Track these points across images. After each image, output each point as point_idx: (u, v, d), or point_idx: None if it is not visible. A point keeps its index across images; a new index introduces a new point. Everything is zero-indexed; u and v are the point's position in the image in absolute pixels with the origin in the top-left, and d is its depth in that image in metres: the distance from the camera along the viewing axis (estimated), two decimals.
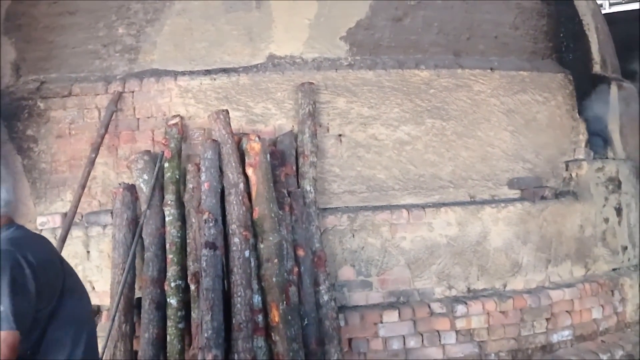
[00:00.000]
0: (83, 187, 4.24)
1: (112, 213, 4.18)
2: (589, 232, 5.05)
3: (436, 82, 4.86)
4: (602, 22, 6.60)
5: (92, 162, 4.30)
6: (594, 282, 4.86)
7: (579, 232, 5.00)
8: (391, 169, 4.69)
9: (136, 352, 3.84)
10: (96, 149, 4.34)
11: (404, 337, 4.26)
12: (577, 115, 5.38)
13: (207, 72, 4.62)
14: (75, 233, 4.26)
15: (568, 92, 5.36)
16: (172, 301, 3.78)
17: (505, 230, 4.69)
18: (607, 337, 4.85)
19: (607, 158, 5.45)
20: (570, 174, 5.15)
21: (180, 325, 3.77)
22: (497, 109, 5.00)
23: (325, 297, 4.01)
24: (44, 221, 4.40)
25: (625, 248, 5.32)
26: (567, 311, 4.67)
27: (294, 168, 4.32)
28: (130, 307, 3.90)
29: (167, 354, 3.73)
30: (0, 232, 2.09)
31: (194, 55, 4.73)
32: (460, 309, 4.35)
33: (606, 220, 5.16)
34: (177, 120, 4.33)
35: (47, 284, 2.05)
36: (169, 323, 3.77)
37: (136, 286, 3.99)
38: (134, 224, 4.05)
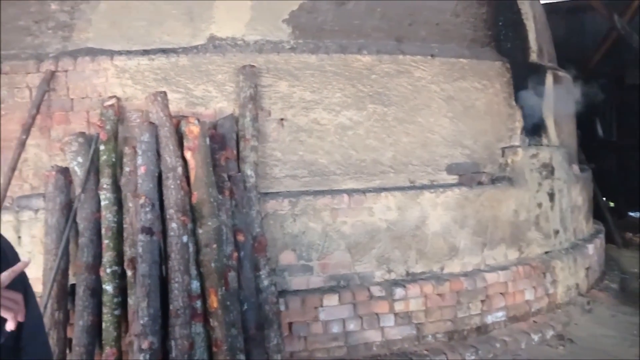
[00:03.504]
0: (13, 169, 4.07)
1: (44, 197, 4.02)
2: (523, 216, 5.23)
3: (378, 68, 4.88)
4: (540, 11, 6.79)
5: (22, 144, 4.13)
6: (527, 264, 5.04)
7: (514, 216, 5.17)
8: (333, 153, 4.70)
9: (70, 340, 3.74)
10: (27, 130, 4.16)
11: (344, 321, 4.31)
12: (514, 102, 5.53)
13: (145, 52, 4.48)
14: (6, 217, 4.08)
15: (505, 80, 5.50)
16: (108, 287, 3.69)
17: (443, 215, 4.80)
18: (538, 318, 5.05)
19: (541, 145, 5.63)
20: (506, 160, 5.30)
21: (116, 312, 3.68)
22: (437, 96, 5.08)
23: (266, 282, 4.00)
24: None
25: (557, 232, 5.54)
26: (501, 293, 4.83)
27: (235, 152, 4.25)
28: (64, 294, 3.78)
29: (103, 341, 3.65)
30: None
31: (131, 34, 4.58)
32: (399, 292, 4.43)
33: (539, 205, 5.34)
34: (113, 101, 4.19)
35: None
36: (105, 310, 3.68)
37: (70, 272, 3.87)
38: (68, 208, 3.91)
